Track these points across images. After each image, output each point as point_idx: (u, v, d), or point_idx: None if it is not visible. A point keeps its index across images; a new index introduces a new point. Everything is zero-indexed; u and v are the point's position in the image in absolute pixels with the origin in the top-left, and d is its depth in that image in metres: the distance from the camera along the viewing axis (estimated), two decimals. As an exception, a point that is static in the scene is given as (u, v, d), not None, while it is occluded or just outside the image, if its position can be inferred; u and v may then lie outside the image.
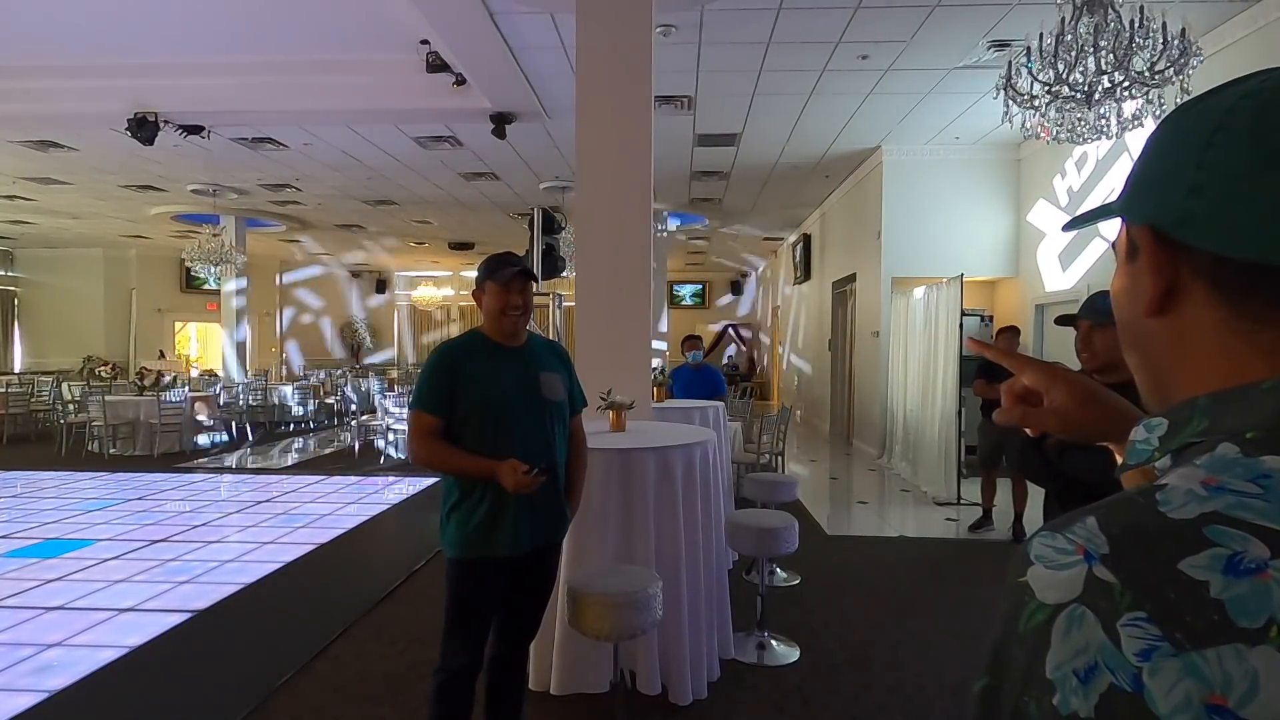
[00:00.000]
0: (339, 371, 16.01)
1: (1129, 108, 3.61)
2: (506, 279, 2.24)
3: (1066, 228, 0.63)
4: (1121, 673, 0.35)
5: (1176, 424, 0.47)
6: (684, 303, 20.35)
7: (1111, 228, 0.54)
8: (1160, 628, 0.35)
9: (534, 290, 2.35)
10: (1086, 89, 3.52)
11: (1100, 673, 0.35)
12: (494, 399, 2.21)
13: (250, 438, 10.80)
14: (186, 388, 11.12)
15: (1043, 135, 3.93)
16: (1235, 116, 0.44)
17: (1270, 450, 0.40)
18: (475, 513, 2.19)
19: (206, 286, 16.05)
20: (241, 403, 11.41)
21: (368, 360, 19.71)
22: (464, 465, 2.18)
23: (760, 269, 19.53)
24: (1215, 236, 0.44)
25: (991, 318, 8.73)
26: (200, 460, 9.22)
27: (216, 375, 13.66)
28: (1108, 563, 0.38)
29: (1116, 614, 0.36)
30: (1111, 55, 3.41)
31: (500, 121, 6.84)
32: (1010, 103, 3.81)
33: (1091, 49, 3.44)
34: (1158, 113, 3.60)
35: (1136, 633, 0.35)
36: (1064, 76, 3.53)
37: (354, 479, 8.00)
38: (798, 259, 13.52)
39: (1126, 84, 3.46)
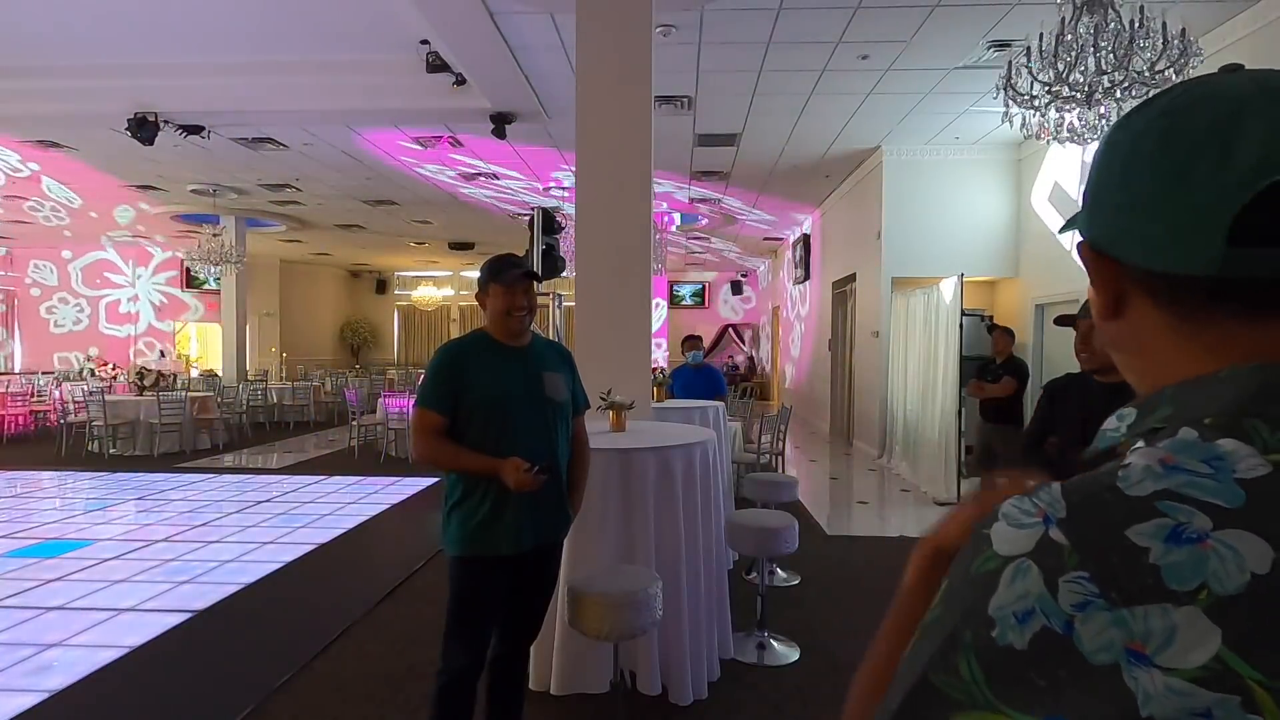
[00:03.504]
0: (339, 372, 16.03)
1: (1129, 108, 3.61)
2: (511, 281, 2.26)
3: (1063, 229, 0.67)
4: (1055, 618, 0.40)
5: (1144, 412, 0.51)
6: (684, 303, 20.35)
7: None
8: (1098, 586, 0.40)
9: (537, 291, 2.37)
10: (1086, 89, 3.52)
11: (1036, 616, 0.41)
12: (497, 398, 2.22)
13: (250, 437, 10.81)
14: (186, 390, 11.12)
15: (1043, 135, 3.93)
16: (1146, 139, 0.49)
17: (1225, 434, 0.44)
18: (477, 511, 2.20)
19: (207, 287, 16.07)
20: (242, 402, 11.43)
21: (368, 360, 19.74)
22: (467, 463, 2.19)
23: (760, 269, 19.54)
24: (1138, 252, 0.50)
25: (991, 318, 8.73)
26: (200, 460, 9.22)
27: (216, 375, 13.67)
28: (1063, 526, 0.43)
29: (1061, 571, 0.41)
30: (1111, 55, 3.41)
31: (500, 121, 6.83)
32: (1010, 103, 3.81)
33: (1091, 49, 3.44)
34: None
35: (1076, 589, 0.40)
36: (1064, 76, 3.53)
37: (354, 479, 8.01)
38: (798, 259, 13.53)
39: (1127, 84, 3.46)
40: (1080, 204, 0.56)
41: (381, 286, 20.70)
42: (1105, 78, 3.46)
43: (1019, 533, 0.44)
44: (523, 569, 2.30)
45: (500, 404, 2.22)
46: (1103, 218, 0.52)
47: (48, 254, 16.43)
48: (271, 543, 5.48)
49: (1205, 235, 0.46)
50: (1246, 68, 0.51)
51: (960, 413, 6.71)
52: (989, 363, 5.87)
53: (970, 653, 0.43)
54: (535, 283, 2.32)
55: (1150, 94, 3.26)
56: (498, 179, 9.97)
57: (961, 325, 6.71)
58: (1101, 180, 0.52)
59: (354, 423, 9.79)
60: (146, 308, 16.88)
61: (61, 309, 16.62)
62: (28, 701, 3.08)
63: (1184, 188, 0.46)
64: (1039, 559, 0.42)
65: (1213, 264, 0.46)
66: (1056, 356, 7.53)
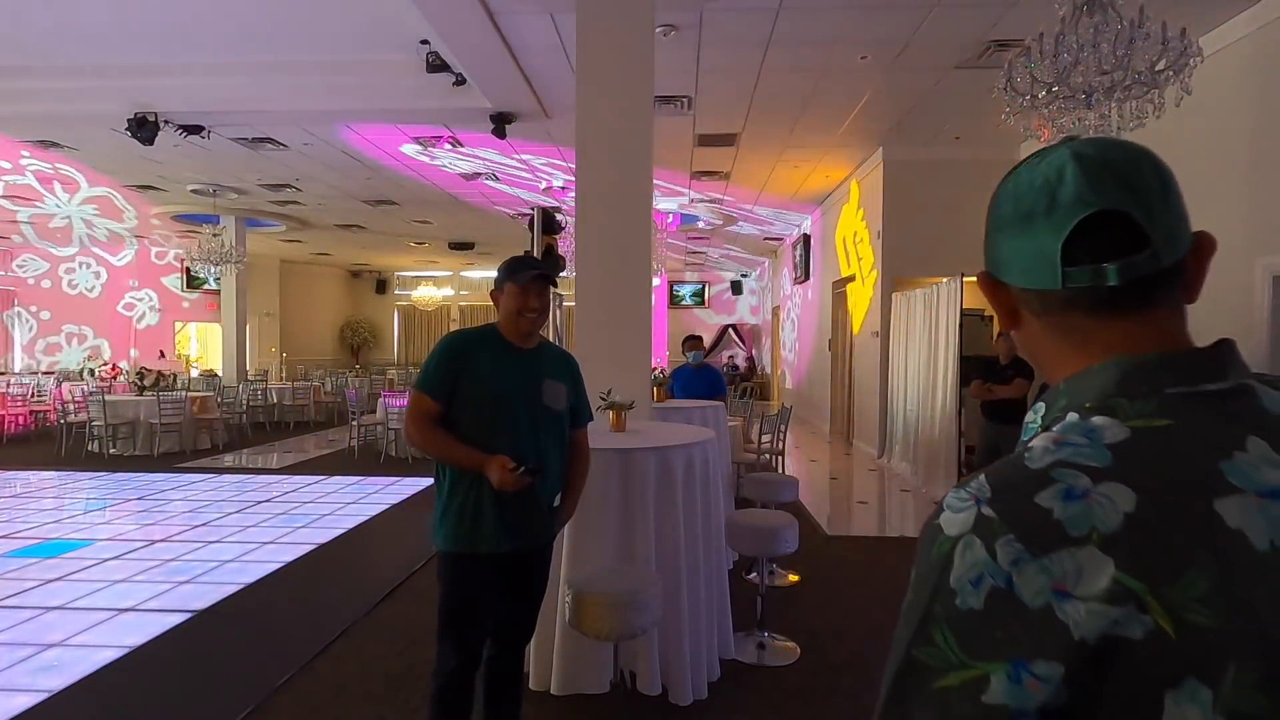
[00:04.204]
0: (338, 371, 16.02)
1: (1129, 108, 3.61)
2: (525, 281, 2.26)
3: None
4: (999, 577, 0.52)
5: (1049, 405, 0.65)
6: (684, 303, 20.34)
7: None
8: (1023, 543, 0.52)
9: (550, 295, 2.37)
10: (1086, 89, 3.52)
11: (985, 579, 0.52)
12: (494, 395, 2.23)
13: (250, 437, 10.81)
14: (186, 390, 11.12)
15: (1043, 136, 3.93)
16: (1008, 196, 0.66)
17: (1099, 413, 0.58)
18: (463, 506, 2.21)
19: (207, 287, 16.07)
20: (242, 402, 11.43)
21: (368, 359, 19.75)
22: (455, 453, 2.19)
23: (760, 269, 19.53)
24: (1014, 275, 0.66)
25: (992, 318, 8.72)
26: (200, 460, 9.22)
27: (216, 375, 13.67)
28: (990, 504, 0.55)
29: (995, 537, 0.53)
30: (1112, 55, 3.41)
31: (500, 121, 6.83)
32: (1010, 103, 3.81)
33: (1092, 49, 3.43)
34: (1158, 113, 3.60)
35: (1008, 549, 0.52)
36: (1064, 76, 3.53)
37: (354, 479, 8.00)
38: (798, 259, 13.53)
39: (1128, 84, 3.46)
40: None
41: (381, 286, 20.70)
42: (1106, 78, 3.45)
43: (959, 515, 0.56)
44: (509, 570, 2.29)
45: (495, 401, 2.22)
46: (991, 251, 0.68)
47: (48, 254, 16.42)
48: (271, 543, 5.48)
49: (1048, 260, 0.61)
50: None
51: (960, 413, 6.71)
52: (993, 363, 5.85)
53: (941, 622, 0.53)
54: (550, 286, 2.32)
55: (1150, 93, 3.24)
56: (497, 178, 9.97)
57: (961, 325, 6.71)
58: (989, 224, 0.68)
59: (354, 423, 9.79)
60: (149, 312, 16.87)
61: (62, 309, 16.61)
62: (28, 701, 3.08)
63: (1031, 227, 0.63)
64: (979, 532, 0.54)
65: (1056, 281, 0.61)
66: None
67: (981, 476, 0.58)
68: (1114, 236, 0.59)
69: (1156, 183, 0.61)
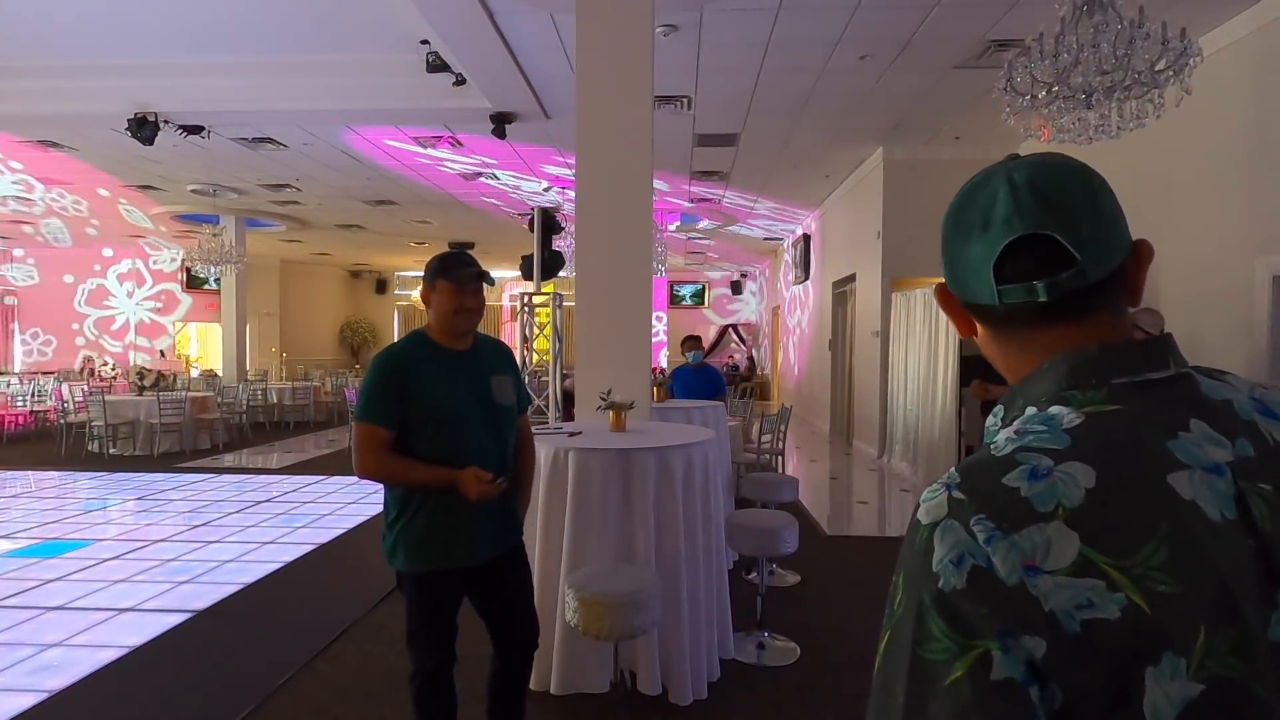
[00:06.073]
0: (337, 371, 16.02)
1: (1129, 108, 3.61)
2: (462, 280, 2.15)
3: None
4: (978, 556, 0.54)
5: (1007, 406, 0.69)
6: (684, 303, 20.34)
7: None
8: (994, 521, 0.55)
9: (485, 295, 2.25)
10: (1086, 89, 3.52)
11: (966, 559, 0.54)
12: (449, 407, 2.12)
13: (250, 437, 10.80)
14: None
15: (1043, 136, 3.93)
16: (951, 217, 0.70)
17: (1053, 404, 0.62)
18: (431, 524, 2.12)
19: (207, 286, 16.08)
20: (241, 403, 11.42)
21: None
22: (421, 476, 2.09)
23: (760, 269, 19.53)
24: (961, 290, 0.71)
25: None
26: (200, 460, 9.22)
27: (216, 375, 13.66)
28: (959, 487, 0.58)
29: (969, 517, 0.56)
30: (1112, 55, 3.41)
31: (500, 121, 6.83)
32: (1010, 103, 3.80)
33: (1092, 49, 3.43)
34: (1158, 113, 3.60)
35: (981, 527, 0.55)
36: (1064, 76, 3.52)
37: (353, 479, 8.00)
38: (798, 259, 13.52)
39: (1127, 84, 3.46)
40: None
41: (381, 286, 20.71)
42: (1106, 78, 3.45)
43: (933, 503, 0.59)
44: (487, 579, 2.24)
45: (451, 413, 2.12)
46: (945, 267, 0.72)
47: (49, 251, 16.42)
48: (271, 543, 5.48)
49: (983, 278, 0.66)
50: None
51: (960, 413, 6.71)
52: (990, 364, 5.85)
53: (931, 611, 0.54)
54: (488, 285, 2.22)
55: (1149, 94, 3.25)
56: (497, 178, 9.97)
57: (961, 325, 6.70)
58: (942, 238, 0.72)
59: (354, 423, 9.78)
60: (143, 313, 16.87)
61: (62, 309, 16.61)
62: (28, 701, 3.08)
63: (968, 245, 0.67)
64: (953, 514, 0.57)
65: (992, 296, 0.66)
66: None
67: (953, 469, 0.61)
68: (1044, 255, 0.63)
69: (1086, 202, 0.64)
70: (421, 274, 2.28)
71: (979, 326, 0.72)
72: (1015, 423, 0.64)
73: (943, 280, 0.73)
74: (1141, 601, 0.50)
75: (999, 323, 0.69)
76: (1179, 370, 0.62)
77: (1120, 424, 0.58)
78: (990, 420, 0.71)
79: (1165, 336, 0.65)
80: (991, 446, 0.62)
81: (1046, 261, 0.63)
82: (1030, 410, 0.64)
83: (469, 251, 2.33)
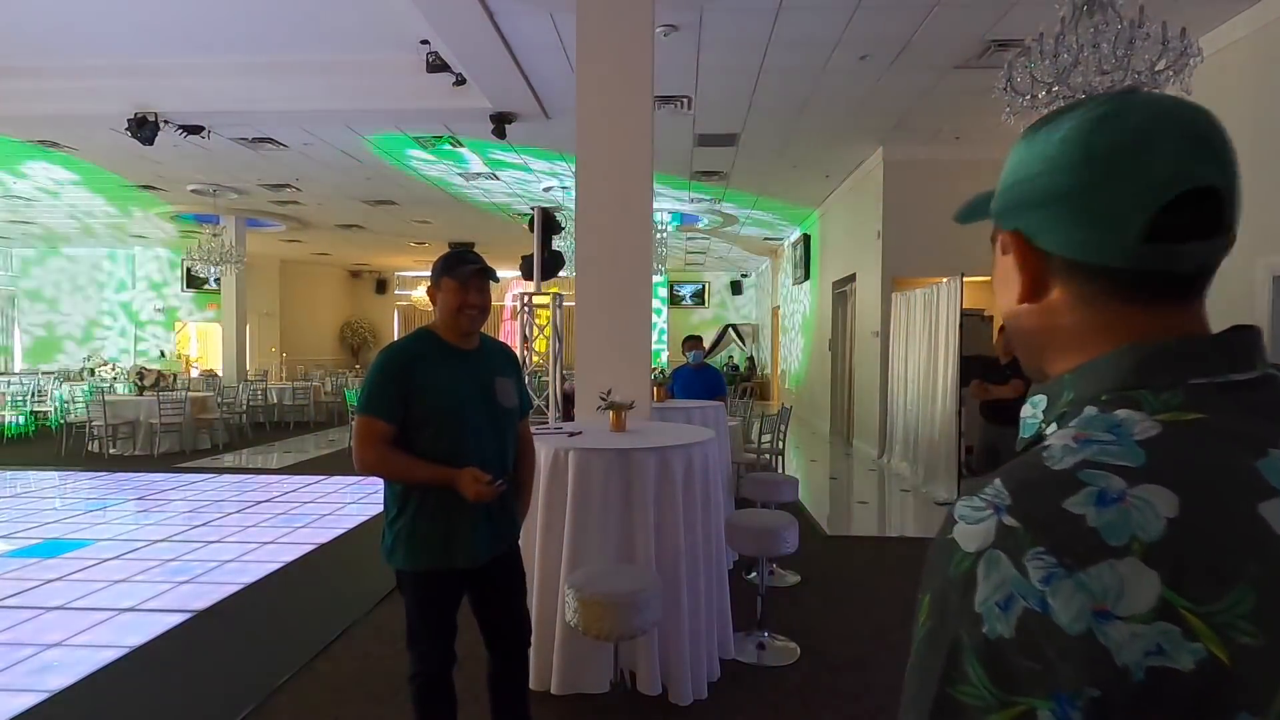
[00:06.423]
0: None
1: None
2: (465, 277, 2.15)
3: (968, 218, 0.73)
4: (1031, 598, 0.45)
5: (1052, 398, 0.58)
6: (684, 303, 20.34)
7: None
8: (1055, 556, 0.45)
9: (491, 292, 2.26)
10: (1086, 89, 3.52)
11: (1015, 600, 0.45)
12: (452, 406, 2.13)
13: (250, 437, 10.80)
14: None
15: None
16: (1066, 146, 0.55)
17: (1120, 406, 0.52)
18: (431, 524, 2.12)
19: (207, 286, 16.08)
20: (242, 403, 11.42)
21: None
22: (421, 474, 2.08)
23: (760, 269, 19.53)
24: (1062, 243, 0.56)
25: (991, 318, 8.72)
26: (200, 460, 9.22)
27: (216, 375, 13.66)
28: (1012, 512, 0.48)
29: (1023, 551, 0.46)
30: (1111, 55, 3.41)
31: (500, 121, 6.83)
32: (1010, 103, 3.81)
33: (1092, 49, 3.43)
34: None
35: (1039, 564, 0.45)
36: (1064, 76, 3.53)
37: (354, 479, 8.00)
38: (798, 259, 13.53)
39: (1127, 84, 3.46)
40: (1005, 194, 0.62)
41: (381, 286, 20.71)
42: (1106, 78, 3.45)
43: (977, 527, 0.49)
44: (484, 580, 2.25)
45: (455, 412, 2.12)
46: (1030, 211, 0.58)
47: (48, 252, 16.42)
48: (271, 543, 5.48)
49: (1122, 233, 0.53)
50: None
51: (960, 413, 6.71)
52: (994, 363, 5.83)
53: (970, 655, 0.46)
54: (491, 282, 2.22)
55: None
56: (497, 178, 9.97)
57: (961, 325, 6.71)
58: (1028, 176, 0.58)
59: (355, 415, 9.78)
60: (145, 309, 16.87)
61: (62, 309, 16.61)
62: (28, 701, 3.08)
63: (1106, 193, 0.53)
64: (1002, 545, 0.47)
65: (1125, 257, 0.54)
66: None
67: (996, 481, 0.50)
68: (1196, 216, 0.52)
69: (1236, 160, 0.54)
70: (421, 274, 2.29)
71: (1056, 294, 0.58)
72: (1072, 425, 0.52)
73: (1016, 229, 0.59)
74: (1222, 654, 0.42)
75: (1097, 292, 0.56)
76: (1265, 372, 0.52)
77: (1204, 438, 0.49)
78: (1028, 411, 0.60)
79: (1251, 329, 0.54)
80: (1045, 455, 0.50)
81: (1197, 225, 0.53)
82: (1090, 411, 0.53)
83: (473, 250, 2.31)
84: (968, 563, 0.48)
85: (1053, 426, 0.56)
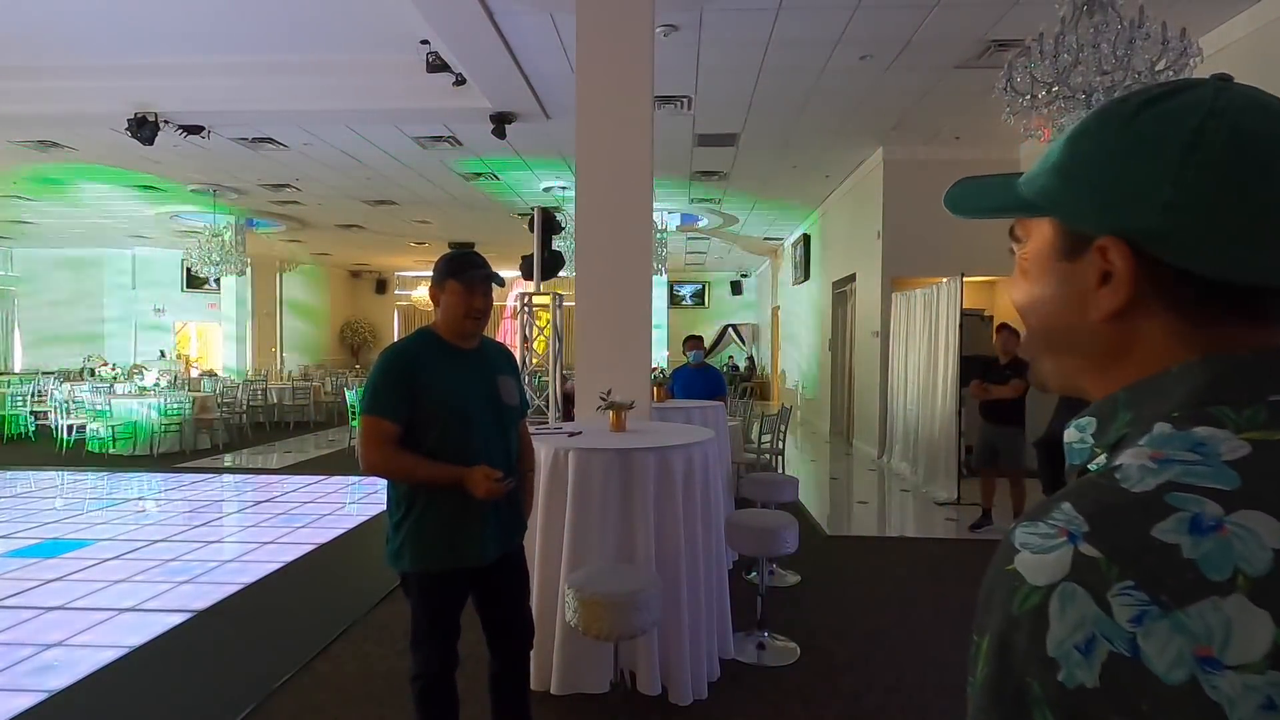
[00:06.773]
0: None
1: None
2: (471, 281, 2.16)
3: (955, 209, 0.65)
4: (1119, 640, 0.38)
5: (1103, 421, 0.51)
6: (684, 303, 20.34)
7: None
8: (1147, 592, 0.38)
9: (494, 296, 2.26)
10: (1086, 89, 3.52)
11: (1099, 643, 0.38)
12: (459, 405, 2.13)
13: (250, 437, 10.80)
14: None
15: (1043, 136, 3.93)
16: (1207, 138, 0.46)
17: (1197, 423, 0.45)
18: (439, 524, 2.12)
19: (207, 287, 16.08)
20: (242, 403, 11.42)
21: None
22: (429, 473, 2.08)
23: (760, 269, 19.53)
24: (1187, 254, 0.47)
25: (991, 318, 8.73)
26: (200, 460, 9.22)
27: (216, 375, 13.66)
28: (1090, 540, 0.41)
29: (1106, 585, 0.39)
30: (1112, 55, 3.41)
31: (500, 121, 6.83)
32: (1010, 103, 3.81)
33: (1092, 49, 3.44)
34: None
35: (1127, 600, 0.39)
36: (1064, 76, 3.53)
37: (354, 479, 8.00)
38: (798, 259, 13.52)
39: (1127, 84, 3.46)
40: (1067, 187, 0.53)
41: (381, 286, 20.71)
42: (1106, 78, 3.46)
43: (1047, 557, 0.42)
44: (489, 579, 2.25)
45: (461, 411, 2.13)
46: (1142, 213, 0.48)
47: (47, 252, 16.42)
48: (271, 543, 5.48)
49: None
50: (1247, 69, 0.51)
51: (960, 413, 6.71)
52: (993, 363, 5.83)
53: (1043, 706, 0.40)
54: (497, 286, 2.22)
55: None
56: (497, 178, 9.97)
57: (961, 325, 6.71)
58: (1136, 169, 0.48)
59: (354, 423, 9.79)
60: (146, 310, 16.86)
61: (62, 309, 16.61)
62: (28, 701, 3.08)
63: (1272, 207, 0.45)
64: (1080, 578, 0.40)
65: (1276, 274, 0.47)
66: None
67: (1065, 505, 0.44)
68: None
69: None
70: (422, 274, 2.29)
71: (1145, 307, 0.49)
72: (1143, 443, 0.46)
73: (1118, 233, 0.49)
74: None
75: (1218, 306, 0.48)
76: None
77: None
78: (1073, 435, 0.53)
79: None
80: (1120, 476, 0.44)
81: None
82: (1163, 428, 0.46)
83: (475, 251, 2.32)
84: (1036, 598, 0.41)
85: (1102, 456, 0.50)
